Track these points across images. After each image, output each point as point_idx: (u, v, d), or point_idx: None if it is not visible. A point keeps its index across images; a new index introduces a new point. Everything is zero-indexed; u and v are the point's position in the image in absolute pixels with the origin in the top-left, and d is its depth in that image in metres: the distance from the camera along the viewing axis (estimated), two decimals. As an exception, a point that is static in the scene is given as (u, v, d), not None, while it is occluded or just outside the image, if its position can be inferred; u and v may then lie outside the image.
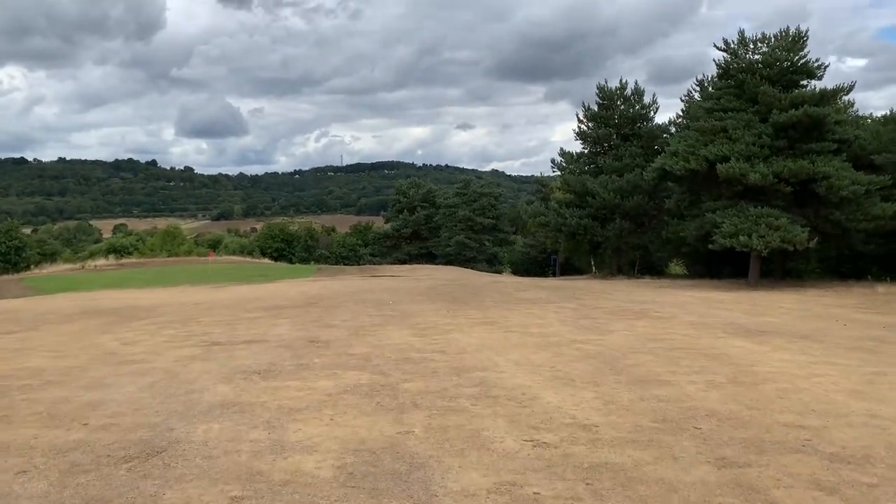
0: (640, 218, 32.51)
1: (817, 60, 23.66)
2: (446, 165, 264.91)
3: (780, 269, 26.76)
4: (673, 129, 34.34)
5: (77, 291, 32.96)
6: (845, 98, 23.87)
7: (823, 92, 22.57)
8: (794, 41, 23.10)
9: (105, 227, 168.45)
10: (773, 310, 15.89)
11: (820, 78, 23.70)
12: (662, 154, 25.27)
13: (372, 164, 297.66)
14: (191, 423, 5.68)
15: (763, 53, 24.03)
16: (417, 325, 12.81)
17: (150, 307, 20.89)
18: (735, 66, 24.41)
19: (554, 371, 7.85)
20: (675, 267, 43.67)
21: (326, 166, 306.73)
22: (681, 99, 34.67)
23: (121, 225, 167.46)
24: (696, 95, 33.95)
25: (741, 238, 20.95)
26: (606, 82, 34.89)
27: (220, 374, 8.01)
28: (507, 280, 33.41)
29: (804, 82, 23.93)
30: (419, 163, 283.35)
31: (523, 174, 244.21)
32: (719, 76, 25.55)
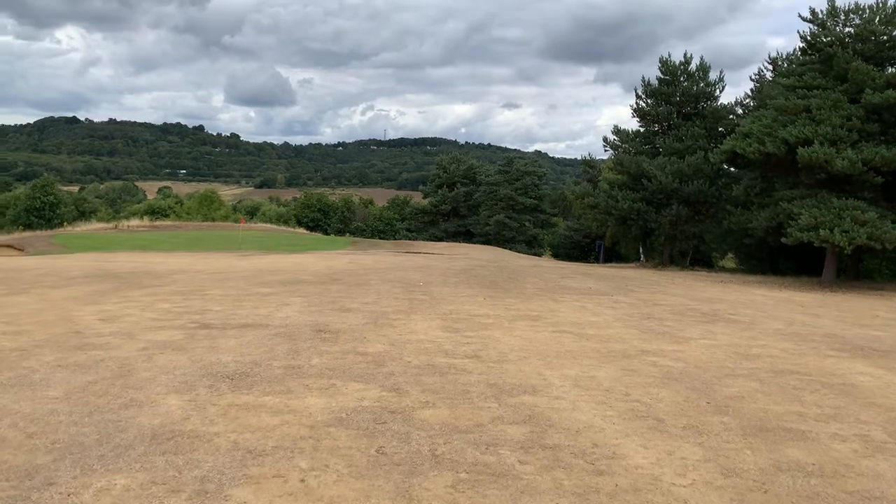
0: (699, 205, 29.84)
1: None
2: (489, 144, 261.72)
3: (855, 269, 24.03)
4: (740, 111, 31.46)
5: (102, 251, 31.84)
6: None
7: (930, 71, 19.68)
8: (895, 13, 20.17)
9: (150, 188, 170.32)
10: (869, 318, 13.43)
11: (923, 56, 20.79)
12: (732, 135, 22.60)
13: (414, 139, 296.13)
14: (86, 473, 3.72)
15: (856, 26, 21.12)
16: (449, 315, 10.78)
17: (164, 273, 19.29)
18: (822, 39, 21.55)
19: (630, 401, 5.73)
20: (726, 261, 40.87)
21: (370, 139, 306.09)
22: (750, 78, 31.80)
23: (165, 187, 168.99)
24: (768, 75, 31.00)
25: (821, 232, 18.34)
26: (670, 55, 32.07)
27: (183, 377, 6.09)
28: (549, 264, 31.16)
29: (902, 60, 21.05)
30: (462, 140, 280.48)
31: (567, 157, 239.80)
32: (803, 50, 22.67)
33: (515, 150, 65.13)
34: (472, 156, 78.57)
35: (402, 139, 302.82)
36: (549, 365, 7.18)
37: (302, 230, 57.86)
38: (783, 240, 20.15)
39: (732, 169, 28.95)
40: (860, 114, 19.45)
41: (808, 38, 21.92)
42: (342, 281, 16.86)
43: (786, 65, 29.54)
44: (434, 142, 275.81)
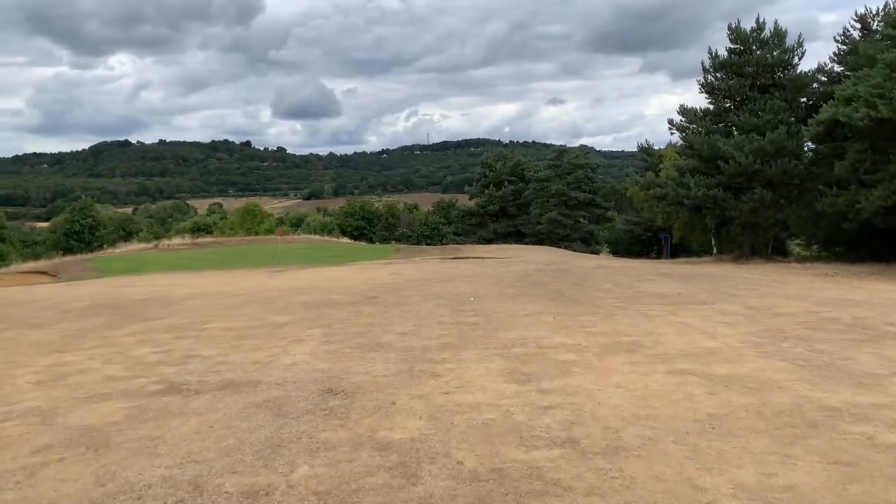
0: (784, 187, 26.19)
1: None
2: (533, 142, 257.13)
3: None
4: (824, 79, 27.62)
5: (133, 274, 29.98)
6: None
7: None
8: None
9: (201, 206, 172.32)
10: None
11: None
12: (830, 102, 19.08)
13: (458, 141, 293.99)
14: None
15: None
16: (512, 349, 7.87)
17: (178, 299, 16.92)
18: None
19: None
20: (796, 247, 36.76)
21: (414, 145, 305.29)
22: (834, 39, 27.81)
23: (215, 204, 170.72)
24: (856, 34, 27.11)
25: (965, 210, 14.82)
26: (739, 22, 28.40)
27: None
28: (615, 264, 27.89)
29: None
30: (506, 140, 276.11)
31: (614, 150, 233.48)
32: (914, -8, 19.01)
33: (561, 145, 61.92)
34: (517, 154, 75.24)
35: (444, 142, 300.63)
36: (696, 455, 4.21)
37: (346, 239, 55.64)
38: (908, 222, 16.58)
39: (818, 146, 25.28)
40: None
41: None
42: (378, 300, 14.11)
43: (878, 19, 25.71)
44: (478, 143, 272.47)
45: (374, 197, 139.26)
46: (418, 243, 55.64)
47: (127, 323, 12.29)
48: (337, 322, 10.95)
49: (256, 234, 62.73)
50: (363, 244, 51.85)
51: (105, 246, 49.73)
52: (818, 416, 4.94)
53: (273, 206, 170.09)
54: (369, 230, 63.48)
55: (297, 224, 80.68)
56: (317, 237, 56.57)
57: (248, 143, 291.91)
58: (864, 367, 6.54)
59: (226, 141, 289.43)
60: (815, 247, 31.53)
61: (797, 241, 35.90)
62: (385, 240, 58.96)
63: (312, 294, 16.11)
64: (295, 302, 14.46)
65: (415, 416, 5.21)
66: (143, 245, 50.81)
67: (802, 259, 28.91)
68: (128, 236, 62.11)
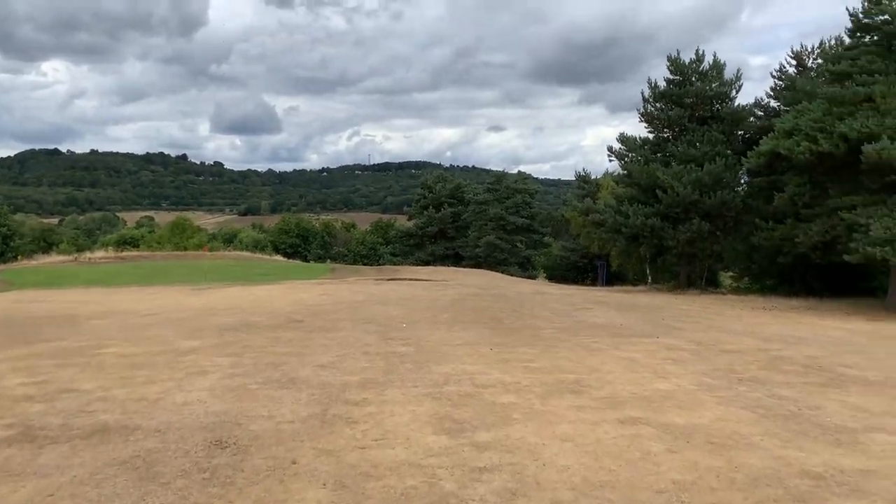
0: (721, 219, 26.24)
1: None
2: (473, 167, 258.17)
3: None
4: (760, 113, 27.98)
5: (47, 288, 27.75)
6: None
7: None
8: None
9: (131, 218, 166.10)
10: None
11: None
12: (771, 135, 19.01)
13: (399, 163, 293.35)
14: None
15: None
16: (444, 391, 6.92)
17: (84, 318, 15.47)
18: (877, 17, 18.03)
19: None
20: (729, 279, 37.19)
21: (355, 164, 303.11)
22: (771, 74, 28.24)
23: (145, 217, 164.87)
24: (791, 70, 27.60)
25: (904, 247, 14.73)
26: (679, 53, 28.61)
27: None
28: (553, 290, 27.35)
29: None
30: (447, 163, 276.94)
31: (551, 177, 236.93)
32: (850, 31, 19.16)
33: (501, 171, 61.88)
34: (457, 177, 74.91)
35: (386, 163, 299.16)
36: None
37: (279, 257, 53.80)
38: (846, 257, 16.50)
39: (754, 179, 25.49)
40: (937, 101, 15.94)
41: (859, 15, 18.41)
42: (302, 324, 12.98)
43: (813, 56, 26.26)
44: (419, 165, 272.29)
45: (312, 215, 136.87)
46: (355, 263, 54.27)
47: (13, 344, 10.83)
48: (251, 350, 9.80)
49: (185, 249, 60.15)
50: (297, 262, 50.16)
51: (20, 257, 46.50)
52: (802, 485, 4.16)
53: (207, 221, 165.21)
54: (304, 248, 61.73)
55: (230, 240, 78.07)
56: (247, 254, 54.54)
57: (184, 157, 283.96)
58: (835, 418, 5.85)
59: (161, 153, 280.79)
60: (745, 279, 31.76)
61: (729, 274, 36.23)
62: (320, 258, 57.33)
63: (231, 315, 14.84)
64: (209, 324, 13.18)
65: (317, 481, 4.18)
66: (62, 257, 47.72)
67: (736, 291, 29.01)
68: (48, 248, 58.54)
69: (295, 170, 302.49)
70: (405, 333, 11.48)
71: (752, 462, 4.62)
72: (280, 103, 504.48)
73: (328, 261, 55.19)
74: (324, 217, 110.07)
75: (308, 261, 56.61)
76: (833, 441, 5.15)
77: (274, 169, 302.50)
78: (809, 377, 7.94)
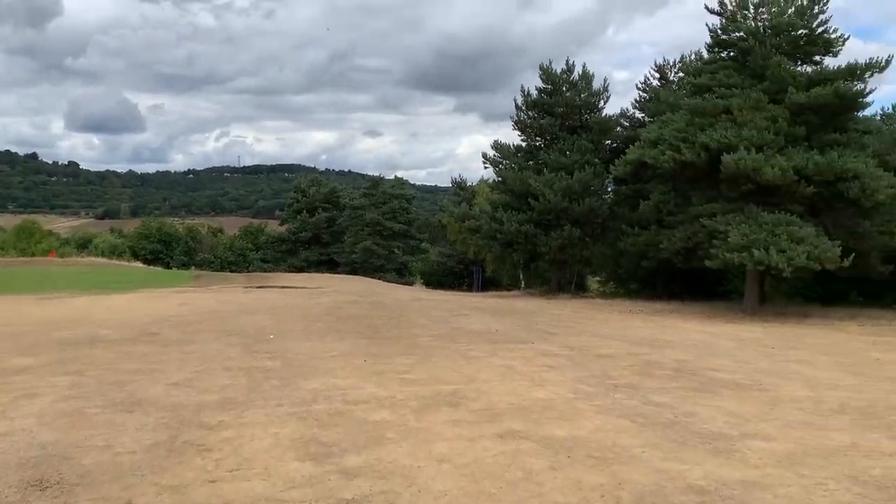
0: (590, 226, 27.12)
1: (835, 31, 18.76)
2: (349, 171, 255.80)
3: (760, 292, 21.81)
4: (626, 123, 29.25)
5: None
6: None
7: (854, 67, 17.61)
8: (812, 2, 18.11)
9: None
10: (869, 363, 10.42)
11: (835, 54, 18.90)
12: (637, 144, 19.79)
13: (272, 166, 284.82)
14: None
15: (770, 18, 18.74)
16: (311, 410, 6.35)
17: None
18: (733, 34, 19.15)
19: None
20: (596, 283, 38.80)
21: (224, 166, 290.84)
22: (636, 86, 29.65)
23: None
24: (655, 83, 29.08)
25: (756, 253, 15.62)
26: (551, 63, 29.41)
27: None
28: (430, 297, 27.17)
29: (817, 58, 19.05)
30: (322, 167, 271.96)
31: (428, 184, 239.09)
32: (710, 47, 20.29)
33: (378, 176, 61.31)
34: (333, 182, 73.67)
35: (257, 166, 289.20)
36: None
37: (138, 263, 50.40)
38: (707, 263, 17.35)
39: (620, 187, 26.56)
40: (786, 115, 17.08)
41: (718, 32, 19.51)
42: (158, 337, 11.90)
43: (675, 70, 27.78)
44: (292, 168, 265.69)
45: (176, 219, 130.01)
46: (222, 270, 51.82)
47: None
48: (94, 367, 8.76)
49: (33, 254, 55.18)
50: (158, 269, 47.24)
51: None
52: (689, 502, 3.99)
53: (60, 224, 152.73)
54: (167, 254, 58.32)
55: (84, 245, 72.58)
56: (102, 260, 50.72)
57: (34, 156, 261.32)
58: (711, 425, 5.85)
59: (8, 151, 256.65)
60: (611, 283, 33.13)
61: (596, 278, 37.67)
62: (184, 265, 54.36)
63: (77, 328, 13.40)
64: (49, 339, 11.80)
65: (154, 530, 3.55)
66: None
67: (603, 295, 30.12)
68: None
69: (158, 171, 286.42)
70: (272, 346, 10.75)
71: (635, 478, 4.43)
72: (143, 101, 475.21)
73: (192, 268, 52.41)
74: (189, 221, 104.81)
75: (170, 267, 53.50)
76: (712, 450, 5.09)
77: (135, 170, 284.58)
78: (681, 381, 8.06)
